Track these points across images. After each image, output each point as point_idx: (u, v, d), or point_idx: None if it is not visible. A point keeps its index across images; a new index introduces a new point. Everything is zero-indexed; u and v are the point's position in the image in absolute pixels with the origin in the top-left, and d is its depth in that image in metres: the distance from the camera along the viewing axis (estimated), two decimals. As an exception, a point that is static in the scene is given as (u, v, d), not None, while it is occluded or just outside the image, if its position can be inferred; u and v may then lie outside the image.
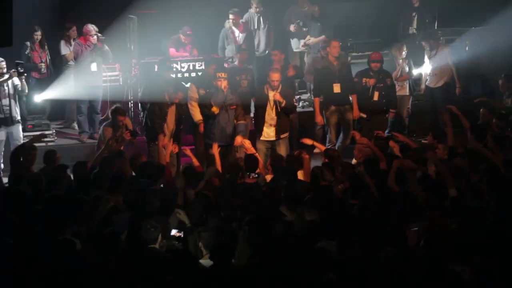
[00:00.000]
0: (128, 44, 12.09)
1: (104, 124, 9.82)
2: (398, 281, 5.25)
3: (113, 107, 9.92)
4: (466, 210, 6.32)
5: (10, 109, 10.17)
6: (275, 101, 9.78)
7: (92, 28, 11.33)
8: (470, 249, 5.69)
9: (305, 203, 6.94)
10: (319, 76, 10.86)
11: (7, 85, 10.14)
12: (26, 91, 10.44)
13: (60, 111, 12.25)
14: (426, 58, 11.94)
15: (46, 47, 11.70)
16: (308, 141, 9.34)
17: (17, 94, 10.31)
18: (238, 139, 9.54)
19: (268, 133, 9.92)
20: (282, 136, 9.92)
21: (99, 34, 11.34)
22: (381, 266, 5.39)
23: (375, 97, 10.50)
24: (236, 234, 6.26)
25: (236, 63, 10.88)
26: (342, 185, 7.49)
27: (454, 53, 11.84)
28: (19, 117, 10.40)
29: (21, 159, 8.42)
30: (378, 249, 5.60)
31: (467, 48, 12.56)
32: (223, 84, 9.51)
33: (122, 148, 9.09)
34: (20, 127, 10.44)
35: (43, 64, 11.61)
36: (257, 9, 12.55)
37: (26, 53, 11.51)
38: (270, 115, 9.88)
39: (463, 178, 7.29)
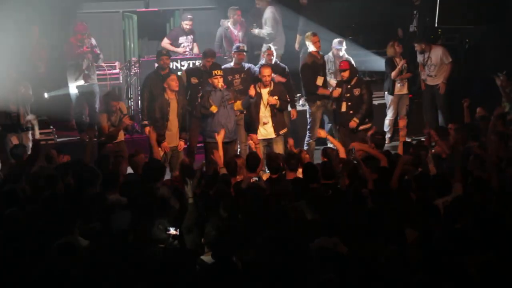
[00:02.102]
0: (128, 42, 12.11)
1: (98, 111, 9.83)
2: (399, 280, 5.25)
3: (105, 93, 9.90)
4: (469, 208, 6.30)
5: (18, 116, 10.08)
6: (272, 91, 9.82)
7: (82, 27, 11.31)
8: (473, 245, 5.69)
9: (308, 201, 6.93)
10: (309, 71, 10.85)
11: (16, 92, 10.06)
12: (30, 100, 10.34)
13: (59, 110, 12.24)
14: (420, 60, 11.94)
15: (45, 45, 11.68)
16: (322, 134, 9.40)
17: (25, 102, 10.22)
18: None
19: (263, 131, 9.92)
20: (281, 132, 9.93)
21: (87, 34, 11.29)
22: (382, 265, 5.39)
23: (343, 108, 10.21)
24: (237, 232, 6.25)
25: (232, 63, 10.67)
26: (342, 183, 7.49)
27: (448, 52, 11.84)
28: (29, 124, 10.28)
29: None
30: (377, 248, 5.60)
31: (467, 47, 12.57)
32: (220, 82, 9.51)
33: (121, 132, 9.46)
34: (30, 134, 10.32)
35: (40, 63, 11.59)
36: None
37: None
38: (264, 113, 9.89)
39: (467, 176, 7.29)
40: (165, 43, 11.88)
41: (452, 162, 7.97)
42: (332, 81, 11.27)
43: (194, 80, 10.32)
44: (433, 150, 8.68)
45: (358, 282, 5.26)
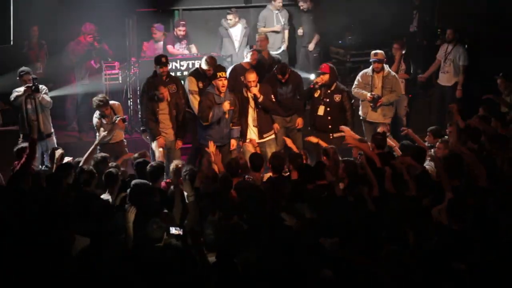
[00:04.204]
0: (127, 43, 12.09)
1: (94, 116, 9.87)
2: (398, 279, 5.26)
3: (94, 99, 9.88)
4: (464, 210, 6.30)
5: (38, 123, 9.89)
6: (254, 98, 9.76)
7: (90, 27, 11.32)
8: (469, 246, 5.71)
9: (305, 201, 6.93)
10: None
11: (33, 99, 9.84)
12: (49, 106, 10.10)
13: (60, 110, 12.24)
14: (439, 52, 11.94)
15: (45, 46, 11.66)
16: (313, 139, 9.23)
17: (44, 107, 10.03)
18: (234, 143, 9.62)
19: (253, 135, 9.87)
20: (265, 136, 9.88)
21: (95, 34, 11.33)
22: (382, 265, 5.40)
23: (320, 111, 9.96)
24: (237, 232, 6.26)
25: (243, 62, 10.57)
26: (342, 183, 7.48)
27: (463, 52, 11.85)
28: (51, 130, 10.20)
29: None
30: (377, 247, 5.61)
31: (466, 47, 12.57)
32: (223, 83, 9.43)
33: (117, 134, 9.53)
34: (54, 140, 10.26)
35: (39, 63, 11.56)
36: (277, 6, 12.54)
37: (24, 52, 11.48)
38: (253, 116, 9.87)
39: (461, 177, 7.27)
40: (171, 49, 11.92)
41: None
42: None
43: (200, 85, 10.30)
44: (432, 151, 8.68)
45: (358, 283, 5.28)
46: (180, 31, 11.97)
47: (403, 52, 11.60)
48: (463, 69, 11.75)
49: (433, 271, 5.32)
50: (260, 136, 9.88)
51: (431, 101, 12.23)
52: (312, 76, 11.20)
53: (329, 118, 9.92)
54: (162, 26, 12.13)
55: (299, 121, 10.33)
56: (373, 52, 10.60)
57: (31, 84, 9.76)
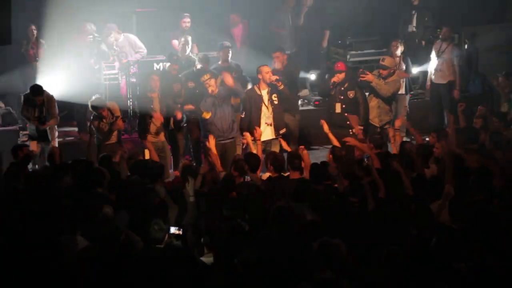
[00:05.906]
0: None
1: (91, 117, 9.87)
2: (398, 279, 5.26)
3: (91, 101, 9.90)
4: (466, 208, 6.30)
5: (46, 131, 10.16)
6: (271, 89, 9.74)
7: (89, 27, 11.31)
8: (469, 246, 5.71)
9: (306, 201, 6.93)
10: None
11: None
12: (57, 123, 10.43)
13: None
14: (433, 53, 11.94)
15: (43, 44, 11.65)
16: (325, 126, 9.23)
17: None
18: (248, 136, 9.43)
19: (264, 133, 9.79)
20: (281, 132, 9.90)
21: (96, 34, 11.32)
22: (381, 265, 5.40)
23: (337, 109, 10.12)
24: (237, 232, 6.26)
25: (219, 62, 10.71)
26: (343, 184, 7.47)
27: (458, 53, 11.85)
28: (55, 134, 10.40)
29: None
30: (378, 247, 5.61)
31: (466, 47, 12.59)
32: (211, 86, 9.47)
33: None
34: (57, 143, 10.38)
35: (37, 62, 11.55)
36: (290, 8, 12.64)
37: (22, 51, 11.47)
38: (266, 114, 9.84)
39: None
40: (175, 45, 11.93)
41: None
42: None
43: (191, 84, 10.31)
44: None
45: (359, 282, 5.28)
46: (185, 23, 11.98)
47: (402, 50, 11.61)
48: (459, 70, 11.75)
49: (433, 271, 5.32)
50: (277, 132, 9.88)
51: (428, 100, 12.23)
52: (312, 76, 11.21)
53: (346, 114, 10.07)
54: (114, 25, 12.01)
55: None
56: (381, 57, 10.67)
57: (37, 117, 10.08)
